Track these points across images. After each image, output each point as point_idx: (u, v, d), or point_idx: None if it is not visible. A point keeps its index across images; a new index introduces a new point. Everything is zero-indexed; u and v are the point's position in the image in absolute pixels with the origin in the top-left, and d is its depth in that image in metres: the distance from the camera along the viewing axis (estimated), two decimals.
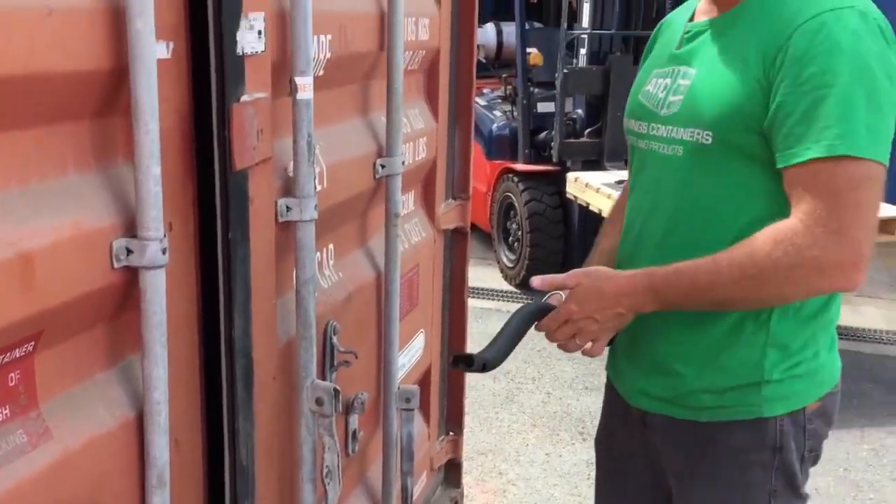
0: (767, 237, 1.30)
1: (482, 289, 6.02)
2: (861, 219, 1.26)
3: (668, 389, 1.48)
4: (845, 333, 5.47)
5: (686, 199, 1.44)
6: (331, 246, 1.76)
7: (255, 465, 1.41)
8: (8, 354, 0.96)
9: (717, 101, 1.38)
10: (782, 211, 1.33)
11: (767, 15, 1.35)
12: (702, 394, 1.44)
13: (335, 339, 1.71)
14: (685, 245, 1.42)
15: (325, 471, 1.57)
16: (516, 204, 6.10)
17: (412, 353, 2.29)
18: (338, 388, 1.52)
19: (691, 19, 1.52)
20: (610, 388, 1.72)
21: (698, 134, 1.40)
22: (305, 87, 1.37)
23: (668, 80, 1.48)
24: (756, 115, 1.33)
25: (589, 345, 1.44)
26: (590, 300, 1.40)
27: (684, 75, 1.45)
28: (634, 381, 1.56)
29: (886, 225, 4.66)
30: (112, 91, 1.07)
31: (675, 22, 1.60)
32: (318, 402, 1.52)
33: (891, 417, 4.33)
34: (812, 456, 1.50)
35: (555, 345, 1.49)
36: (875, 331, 5.54)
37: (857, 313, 5.86)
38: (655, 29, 1.70)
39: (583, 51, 5.96)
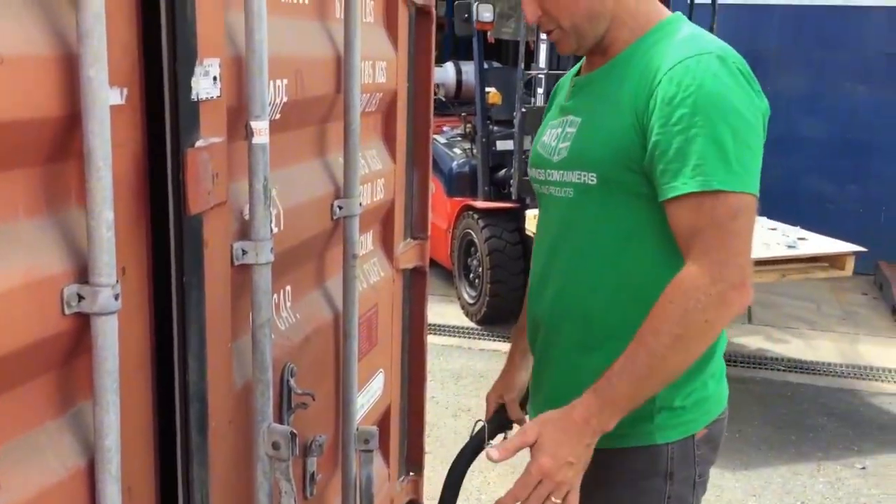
0: (676, 293, 1.37)
1: (443, 325, 6.03)
2: (741, 246, 1.37)
3: None
4: (800, 367, 5.56)
5: (579, 237, 1.56)
6: (288, 287, 1.76)
7: None
8: None
9: (597, 144, 1.51)
10: (665, 243, 1.43)
11: (636, 65, 1.48)
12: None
13: (292, 382, 1.70)
14: (584, 278, 1.54)
15: None
16: (476, 241, 6.13)
17: (371, 394, 2.28)
18: (294, 431, 1.50)
19: (577, 74, 1.68)
20: None
21: (584, 175, 1.52)
22: (261, 131, 1.38)
23: (559, 130, 1.63)
24: (633, 155, 1.45)
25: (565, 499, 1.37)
26: (561, 445, 1.37)
27: (571, 124, 1.59)
28: (538, 411, 1.59)
29: (837, 260, 4.78)
30: (65, 137, 1.06)
31: (567, 79, 1.76)
32: (275, 446, 1.50)
33: (846, 450, 4.40)
34: (702, 482, 1.59)
35: None
36: (829, 364, 5.63)
37: (812, 347, 5.96)
38: (553, 88, 1.86)
39: (540, 90, 6.05)
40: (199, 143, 1.25)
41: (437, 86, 7.42)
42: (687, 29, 1.51)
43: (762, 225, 5.35)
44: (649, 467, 1.49)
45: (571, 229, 1.57)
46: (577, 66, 1.73)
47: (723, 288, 1.34)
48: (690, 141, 1.36)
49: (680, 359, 1.38)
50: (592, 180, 1.51)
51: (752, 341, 6.00)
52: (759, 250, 4.73)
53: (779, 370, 5.50)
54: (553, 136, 1.63)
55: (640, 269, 1.47)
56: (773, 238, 5.00)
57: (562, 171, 1.58)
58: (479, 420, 2.02)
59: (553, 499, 1.36)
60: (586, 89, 1.60)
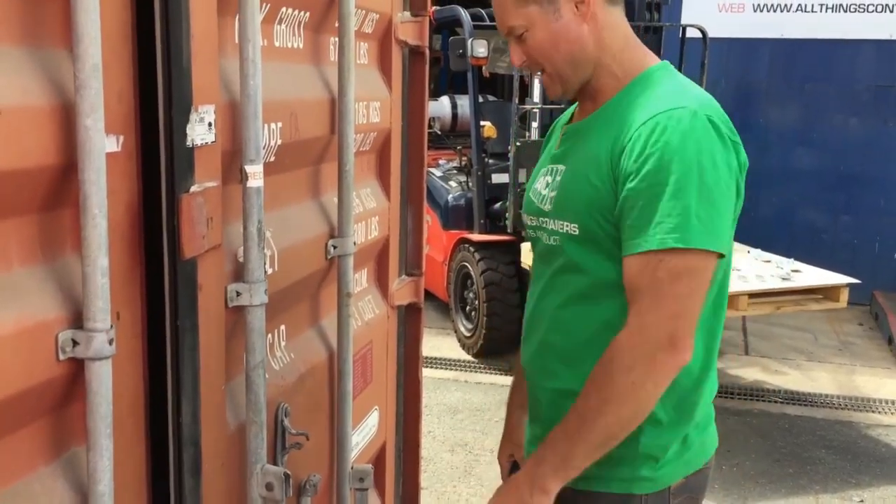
0: (606, 355, 1.40)
1: (440, 358, 6.02)
2: (677, 307, 1.36)
3: None
4: (798, 399, 5.55)
5: (562, 284, 1.57)
6: (282, 327, 1.77)
7: None
8: None
9: (577, 195, 1.51)
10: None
11: (616, 118, 1.48)
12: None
13: (287, 422, 1.70)
14: (564, 326, 1.55)
15: None
16: (473, 273, 6.15)
17: (366, 432, 2.28)
18: (288, 472, 1.50)
19: (570, 121, 1.68)
20: None
21: (568, 226, 1.53)
22: (256, 174, 1.40)
23: (549, 178, 1.63)
24: (609, 207, 1.45)
25: None
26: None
27: (558, 172, 1.60)
28: (530, 450, 1.63)
29: (831, 292, 4.79)
30: (61, 185, 1.08)
31: (562, 122, 1.76)
32: (269, 487, 1.50)
33: (843, 483, 4.38)
34: None
35: None
36: (826, 395, 5.63)
37: (809, 378, 5.96)
38: (549, 129, 1.84)
39: (535, 124, 6.10)
40: (193, 189, 1.26)
41: (433, 119, 7.48)
42: (669, 81, 1.51)
43: (756, 257, 5.37)
44: None
45: (556, 276, 1.58)
46: (573, 107, 1.73)
47: (649, 350, 1.35)
48: (655, 198, 1.36)
49: (611, 420, 1.38)
50: (574, 230, 1.52)
51: (749, 373, 5.99)
52: (754, 283, 4.75)
53: (776, 402, 5.49)
54: (543, 184, 1.63)
55: (618, 319, 1.43)
56: (767, 270, 5.02)
57: (550, 219, 1.59)
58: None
59: None
60: (573, 138, 1.61)
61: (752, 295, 4.60)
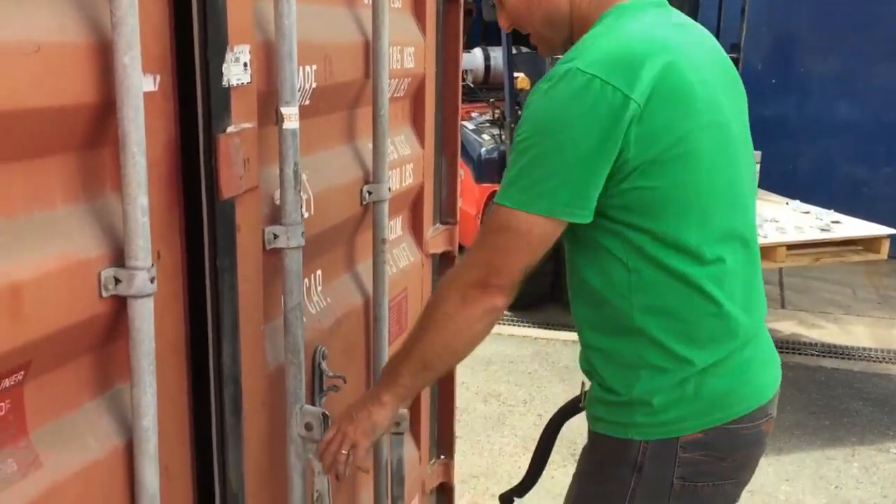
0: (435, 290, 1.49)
1: None
2: (493, 256, 1.43)
3: (589, 404, 1.60)
4: (835, 352, 5.50)
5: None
6: (318, 272, 1.78)
7: (245, 491, 1.41)
8: None
9: None
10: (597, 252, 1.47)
11: None
12: (598, 405, 1.56)
13: (324, 365, 1.72)
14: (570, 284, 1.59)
15: (315, 495, 1.57)
16: None
17: None
18: (327, 412, 1.53)
19: None
20: None
21: None
22: (291, 116, 1.39)
23: None
24: None
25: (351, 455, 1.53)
26: (350, 409, 1.56)
27: None
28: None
29: (872, 244, 4.71)
30: (100, 124, 1.09)
31: None
32: (308, 427, 1.53)
33: (881, 435, 4.35)
34: (686, 485, 1.51)
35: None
36: (864, 349, 5.56)
37: (846, 332, 5.89)
38: None
39: None
40: (230, 129, 1.27)
41: (466, 72, 7.40)
42: (598, 29, 1.45)
43: (794, 209, 5.28)
44: (617, 456, 1.50)
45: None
46: None
47: (461, 286, 1.44)
48: (511, 156, 1.43)
49: (426, 347, 1.48)
50: None
51: (786, 326, 5.94)
52: (792, 234, 4.68)
53: (813, 355, 5.44)
54: None
55: (585, 273, 1.52)
56: (806, 222, 4.94)
57: None
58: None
59: (342, 450, 1.51)
60: None
61: (791, 246, 4.54)
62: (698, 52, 1.47)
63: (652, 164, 1.37)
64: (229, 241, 1.31)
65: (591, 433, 1.58)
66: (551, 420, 1.94)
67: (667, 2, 1.54)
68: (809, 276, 6.70)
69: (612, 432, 1.52)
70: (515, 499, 1.90)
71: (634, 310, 1.45)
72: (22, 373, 1.01)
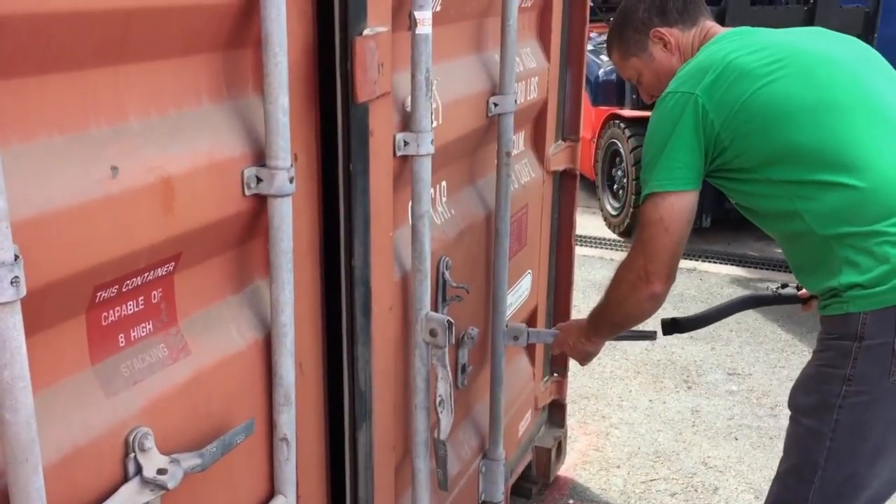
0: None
1: (585, 236, 5.96)
2: (646, 249, 1.66)
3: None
4: None
5: None
6: (444, 183, 1.79)
7: (373, 390, 1.46)
8: (151, 273, 1.03)
9: None
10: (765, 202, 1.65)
11: None
12: (824, 298, 1.63)
13: (447, 275, 1.74)
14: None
15: (437, 399, 1.61)
16: (622, 150, 5.98)
17: (519, 293, 2.31)
18: (451, 320, 1.55)
19: None
20: None
21: None
22: (424, 21, 1.38)
23: None
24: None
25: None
26: (569, 338, 2.00)
27: None
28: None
29: None
30: (242, 23, 1.10)
31: None
32: (432, 333, 1.56)
33: None
34: None
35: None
36: None
37: None
38: None
39: None
40: (366, 32, 1.26)
41: None
42: (691, 63, 1.68)
43: None
44: (839, 329, 1.57)
45: None
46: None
47: (630, 276, 1.69)
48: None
49: (613, 317, 1.82)
50: None
51: None
52: None
53: None
54: None
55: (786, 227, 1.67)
56: None
57: None
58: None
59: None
60: None
61: None
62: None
63: None
64: (363, 145, 1.32)
65: (822, 318, 1.65)
66: (747, 297, 2.14)
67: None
68: None
69: (832, 311, 1.58)
70: (673, 332, 2.08)
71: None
72: (172, 264, 1.06)
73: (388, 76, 1.36)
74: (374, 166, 1.36)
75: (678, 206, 1.62)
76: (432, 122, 1.50)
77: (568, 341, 1.99)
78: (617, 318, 1.81)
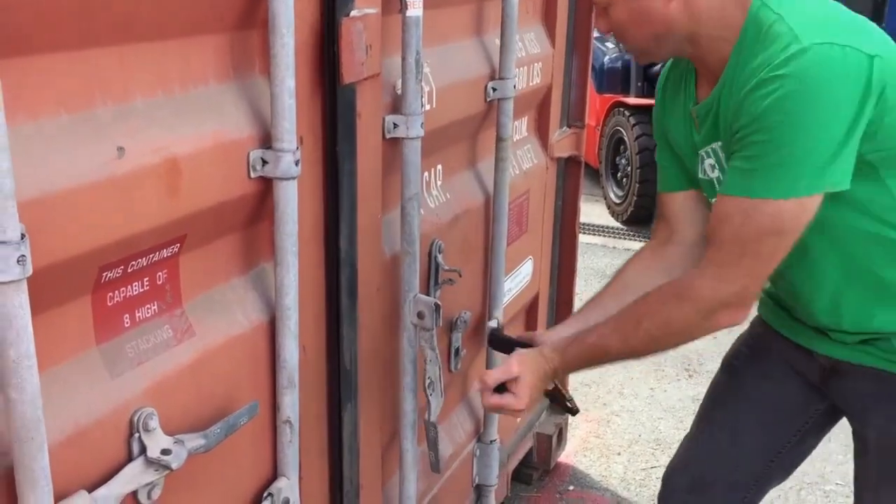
0: (671, 296, 1.40)
1: (589, 224, 5.96)
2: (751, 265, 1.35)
3: (881, 350, 1.48)
4: None
5: None
6: (439, 166, 1.78)
7: (359, 370, 1.45)
8: (157, 254, 1.03)
9: None
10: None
11: (736, 87, 1.35)
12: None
13: (440, 258, 1.73)
14: None
15: (427, 382, 1.61)
16: (626, 138, 5.97)
17: (519, 279, 2.31)
18: (438, 302, 1.54)
19: (696, 102, 1.50)
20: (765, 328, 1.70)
21: None
22: (415, 3, 1.37)
23: (712, 160, 1.49)
24: None
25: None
26: (534, 382, 1.51)
27: (717, 151, 1.46)
28: (842, 339, 1.53)
29: None
30: (249, 4, 1.10)
31: (674, 85, 1.57)
32: (420, 315, 1.55)
33: None
34: None
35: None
36: None
37: None
38: (659, 85, 1.63)
39: None
40: (353, 13, 1.25)
41: None
42: (767, 19, 1.32)
43: None
44: None
45: None
46: (679, 69, 1.56)
47: (715, 306, 1.36)
48: None
49: (649, 350, 1.46)
50: None
51: None
52: None
53: None
54: (710, 168, 1.51)
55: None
56: None
57: None
58: None
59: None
60: (707, 117, 1.46)
61: None
62: None
63: None
64: (349, 126, 1.31)
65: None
66: None
67: None
68: None
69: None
70: None
71: None
72: (178, 245, 1.07)
73: (378, 58, 1.35)
74: (361, 148, 1.34)
75: (808, 214, 1.29)
76: (424, 106, 1.49)
77: (535, 384, 1.50)
78: (654, 350, 1.47)
